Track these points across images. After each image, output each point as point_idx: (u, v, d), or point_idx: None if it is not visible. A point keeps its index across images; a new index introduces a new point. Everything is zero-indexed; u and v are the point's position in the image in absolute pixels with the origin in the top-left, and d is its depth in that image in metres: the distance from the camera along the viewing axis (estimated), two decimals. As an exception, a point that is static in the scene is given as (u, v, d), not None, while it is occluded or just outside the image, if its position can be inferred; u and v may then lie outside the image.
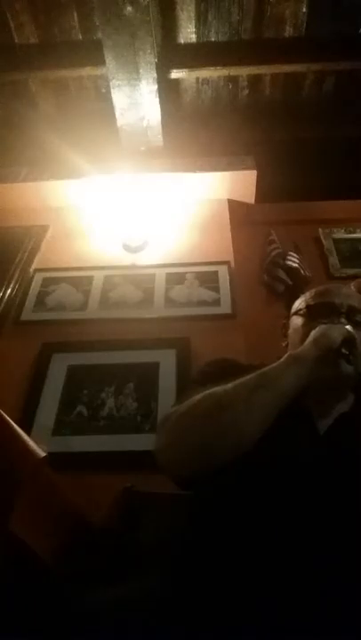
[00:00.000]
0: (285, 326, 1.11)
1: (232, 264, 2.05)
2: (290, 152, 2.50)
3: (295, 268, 2.07)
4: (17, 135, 2.58)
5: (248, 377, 0.84)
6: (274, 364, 0.86)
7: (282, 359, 0.87)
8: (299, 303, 1.09)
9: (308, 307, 1.04)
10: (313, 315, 1.01)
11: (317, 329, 0.90)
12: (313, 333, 0.89)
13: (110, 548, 1.10)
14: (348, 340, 0.87)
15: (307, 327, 0.96)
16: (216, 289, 1.94)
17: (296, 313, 1.07)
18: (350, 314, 0.98)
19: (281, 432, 0.84)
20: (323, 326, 0.90)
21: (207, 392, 0.84)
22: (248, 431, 0.79)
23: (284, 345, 1.10)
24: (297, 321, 1.05)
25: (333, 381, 0.89)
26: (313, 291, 1.09)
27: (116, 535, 1.12)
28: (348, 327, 0.90)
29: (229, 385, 0.83)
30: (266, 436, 0.80)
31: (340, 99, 2.53)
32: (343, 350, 0.86)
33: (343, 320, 0.95)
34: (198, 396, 0.85)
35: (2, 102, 2.54)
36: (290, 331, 1.07)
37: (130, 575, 0.96)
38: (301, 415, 0.92)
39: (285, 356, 0.88)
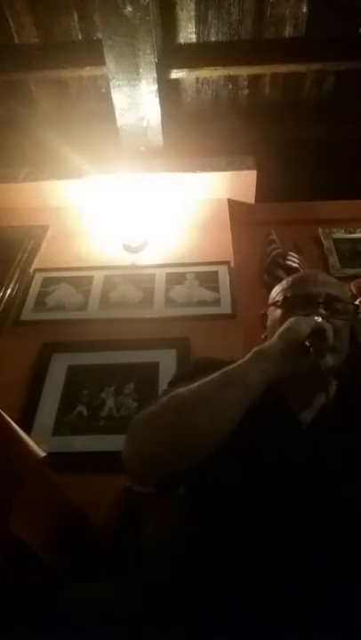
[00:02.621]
0: (264, 317, 1.07)
1: (232, 264, 2.05)
2: (290, 152, 2.50)
3: (295, 268, 2.06)
4: (17, 135, 2.58)
5: (213, 375, 0.82)
6: (240, 361, 0.84)
7: (248, 355, 0.85)
8: (276, 293, 1.05)
9: (285, 298, 1.00)
10: (290, 306, 0.97)
11: (287, 322, 0.87)
12: (281, 327, 0.87)
13: (110, 547, 1.10)
14: (317, 333, 0.84)
15: (284, 320, 0.92)
16: (216, 289, 1.94)
17: (274, 303, 1.03)
18: (329, 302, 0.94)
19: (263, 427, 0.84)
20: (292, 319, 0.87)
21: (173, 394, 0.83)
22: (212, 432, 0.78)
23: (263, 337, 1.05)
24: (275, 312, 1.01)
25: (305, 375, 0.86)
26: (290, 279, 1.05)
27: (116, 535, 1.12)
28: (317, 319, 0.86)
29: (195, 385, 0.82)
30: (249, 431, 0.80)
31: (340, 99, 2.53)
32: (306, 343, 0.83)
33: (321, 310, 0.92)
34: (164, 399, 0.84)
35: (2, 102, 2.54)
36: (268, 322, 1.04)
37: (130, 575, 0.96)
38: (283, 409, 0.91)
39: (252, 351, 0.85)
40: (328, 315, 0.91)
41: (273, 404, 0.88)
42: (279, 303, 1.01)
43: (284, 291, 1.02)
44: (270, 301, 1.06)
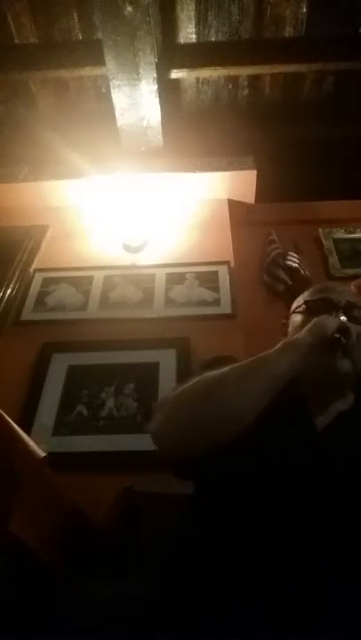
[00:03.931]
0: (285, 325, 1.12)
1: (232, 264, 2.05)
2: (290, 152, 2.50)
3: (295, 268, 2.07)
4: (17, 135, 2.58)
5: (243, 362, 0.86)
6: (269, 350, 0.88)
7: (277, 346, 0.88)
8: (298, 301, 1.11)
9: (306, 302, 1.05)
10: (312, 311, 1.02)
11: (314, 319, 0.92)
12: (309, 324, 0.91)
13: (110, 547, 1.10)
14: (343, 330, 0.88)
15: (305, 323, 0.97)
16: (216, 289, 1.94)
17: (295, 311, 1.08)
18: (348, 309, 0.99)
19: (279, 428, 0.85)
20: (318, 317, 0.92)
21: (202, 375, 0.87)
22: (240, 411, 0.81)
23: None
24: (296, 318, 1.06)
25: (330, 373, 0.90)
26: (311, 289, 1.11)
27: (116, 535, 1.12)
28: (343, 318, 0.93)
29: (225, 368, 0.85)
30: (264, 432, 0.80)
31: (340, 99, 2.53)
32: (337, 335, 0.87)
33: (341, 314, 0.96)
34: (194, 380, 0.87)
35: (2, 102, 2.54)
36: (290, 329, 1.08)
37: (130, 575, 0.96)
38: (300, 411, 0.93)
39: (281, 342, 0.89)
40: (348, 319, 0.95)
41: (292, 404, 0.90)
42: (301, 309, 1.06)
43: (305, 297, 1.08)
44: (292, 309, 1.11)
